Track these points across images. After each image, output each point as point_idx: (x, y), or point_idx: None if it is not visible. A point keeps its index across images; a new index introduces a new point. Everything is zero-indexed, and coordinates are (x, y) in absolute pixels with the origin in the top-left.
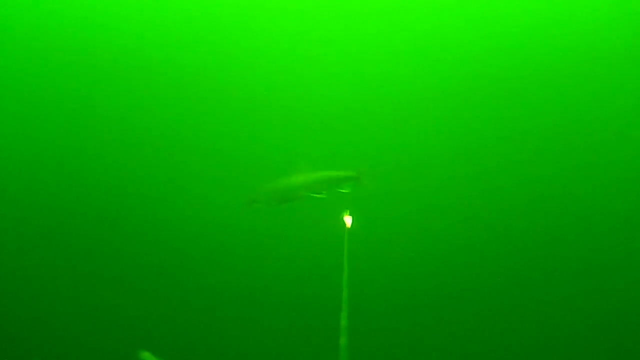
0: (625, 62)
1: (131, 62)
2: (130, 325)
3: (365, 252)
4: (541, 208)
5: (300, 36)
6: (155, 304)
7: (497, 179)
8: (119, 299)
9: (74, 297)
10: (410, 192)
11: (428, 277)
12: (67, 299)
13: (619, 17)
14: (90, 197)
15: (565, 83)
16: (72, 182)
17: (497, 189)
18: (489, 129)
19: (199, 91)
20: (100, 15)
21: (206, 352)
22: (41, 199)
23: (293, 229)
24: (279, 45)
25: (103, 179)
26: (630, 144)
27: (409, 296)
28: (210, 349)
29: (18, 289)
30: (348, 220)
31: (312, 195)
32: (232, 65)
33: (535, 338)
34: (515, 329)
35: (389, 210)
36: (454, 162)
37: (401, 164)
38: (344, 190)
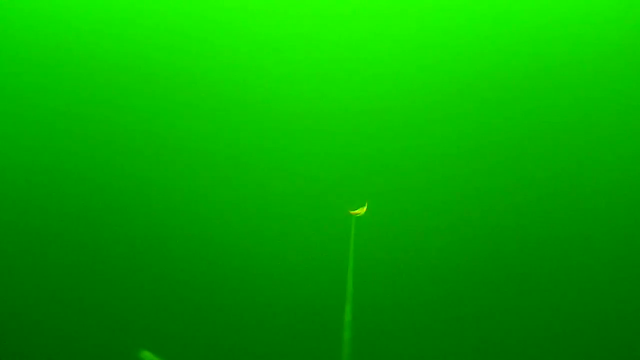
0: (627, 59)
1: (131, 62)
2: (132, 325)
3: (370, 249)
4: (543, 208)
5: (296, 37)
6: (155, 303)
7: (501, 178)
8: (119, 298)
9: (72, 297)
10: (415, 189)
11: (432, 274)
12: (65, 299)
13: (620, 15)
14: (90, 197)
15: (567, 81)
16: (71, 182)
17: (502, 187)
18: (489, 128)
19: (197, 92)
20: (100, 16)
21: (207, 347)
22: (40, 199)
23: (298, 225)
24: (276, 46)
25: (102, 179)
26: (631, 143)
27: (412, 292)
28: (211, 344)
29: (17, 289)
30: (360, 211)
31: None
32: (231, 66)
33: (539, 337)
34: (519, 326)
35: (394, 208)
36: (458, 158)
37: (405, 162)
38: None
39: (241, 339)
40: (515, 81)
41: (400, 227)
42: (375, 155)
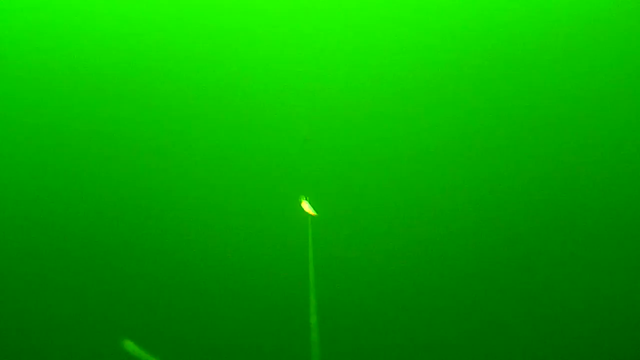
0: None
1: (132, 62)
2: (121, 320)
3: (338, 249)
4: (534, 210)
5: (293, 36)
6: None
7: (484, 177)
8: (111, 295)
9: (66, 295)
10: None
11: (403, 275)
12: (62, 298)
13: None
14: (90, 198)
15: (570, 75)
16: (68, 182)
17: (479, 188)
18: (484, 123)
19: (197, 92)
20: (98, 16)
21: (182, 347)
22: (40, 199)
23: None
24: (276, 46)
25: (102, 180)
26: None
27: (383, 294)
28: (184, 344)
29: (15, 289)
30: (306, 206)
31: None
32: (230, 66)
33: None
34: (499, 326)
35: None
36: (450, 157)
37: (402, 162)
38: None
39: (208, 341)
40: (512, 79)
41: (379, 226)
42: (371, 155)
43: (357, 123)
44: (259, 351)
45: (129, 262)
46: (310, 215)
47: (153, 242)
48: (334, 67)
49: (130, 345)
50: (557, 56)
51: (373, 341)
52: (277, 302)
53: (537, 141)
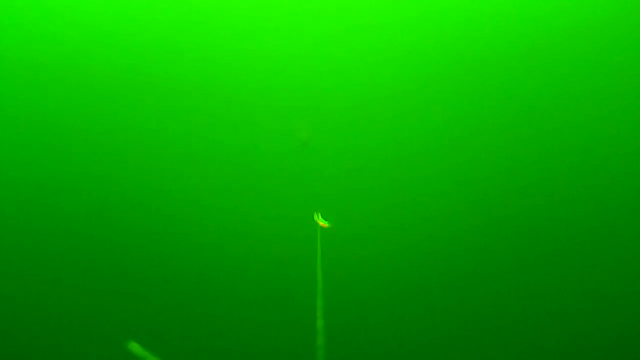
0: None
1: (132, 61)
2: (122, 320)
3: (344, 251)
4: (535, 211)
5: (294, 35)
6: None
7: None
8: (111, 294)
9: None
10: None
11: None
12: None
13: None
14: (90, 198)
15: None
16: (71, 182)
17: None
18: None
19: (197, 91)
20: (97, 16)
21: (188, 349)
22: (41, 199)
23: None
24: (275, 45)
25: (101, 179)
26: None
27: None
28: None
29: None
30: (319, 220)
31: None
32: (230, 65)
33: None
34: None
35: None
36: (450, 158)
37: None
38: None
39: (213, 344)
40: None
41: (377, 228)
42: (371, 154)
43: (357, 125)
44: (264, 354)
45: (137, 263)
46: (323, 225)
47: (155, 244)
48: (332, 69)
49: (135, 347)
50: (557, 57)
51: (380, 346)
52: (283, 306)
53: (543, 142)
